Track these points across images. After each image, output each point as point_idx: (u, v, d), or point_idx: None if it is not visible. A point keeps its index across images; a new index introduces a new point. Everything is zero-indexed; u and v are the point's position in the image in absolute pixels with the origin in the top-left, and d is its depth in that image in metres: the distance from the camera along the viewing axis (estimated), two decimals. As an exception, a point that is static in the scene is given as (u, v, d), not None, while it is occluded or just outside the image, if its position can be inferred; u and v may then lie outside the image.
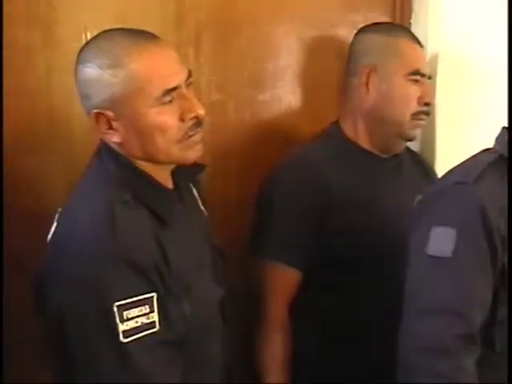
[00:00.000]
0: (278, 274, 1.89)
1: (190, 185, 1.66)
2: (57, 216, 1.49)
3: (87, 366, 1.35)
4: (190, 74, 1.46)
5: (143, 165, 1.46)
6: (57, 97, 1.92)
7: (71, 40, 1.91)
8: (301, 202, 1.87)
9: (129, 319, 1.32)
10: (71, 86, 1.79)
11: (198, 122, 1.45)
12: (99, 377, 1.34)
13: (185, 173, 1.57)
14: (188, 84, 1.46)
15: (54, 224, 1.48)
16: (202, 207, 1.70)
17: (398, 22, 2.22)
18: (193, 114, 1.43)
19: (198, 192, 1.70)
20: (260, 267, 1.90)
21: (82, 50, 1.46)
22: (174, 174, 1.55)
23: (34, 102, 1.92)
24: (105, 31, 1.45)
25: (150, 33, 1.45)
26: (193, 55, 2.04)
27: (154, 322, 1.35)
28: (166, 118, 1.41)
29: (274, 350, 1.89)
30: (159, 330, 1.36)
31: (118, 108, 1.41)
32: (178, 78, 1.42)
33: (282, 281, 1.89)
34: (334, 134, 1.99)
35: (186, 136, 1.44)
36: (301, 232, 1.87)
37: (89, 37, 1.92)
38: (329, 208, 1.86)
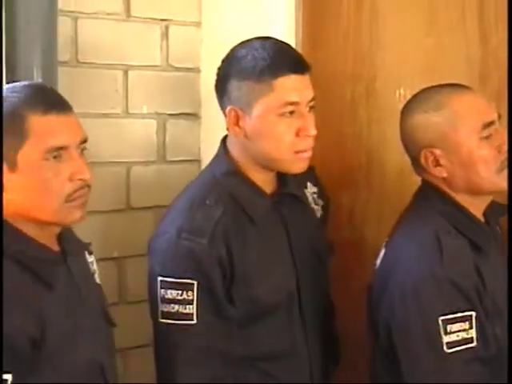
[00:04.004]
0: None
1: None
2: (384, 244, 1.78)
3: (410, 369, 1.62)
4: (499, 117, 1.70)
5: (463, 200, 1.70)
6: (374, 142, 2.21)
7: (388, 95, 2.18)
8: None
9: (451, 332, 1.57)
10: (387, 134, 2.08)
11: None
12: (421, 378, 1.61)
13: (494, 210, 1.79)
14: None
15: (382, 251, 1.77)
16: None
17: None
18: (506, 146, 1.66)
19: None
20: None
21: (406, 103, 1.76)
22: (485, 213, 1.78)
23: (354, 145, 2.23)
24: None
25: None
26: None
27: (472, 338, 1.59)
28: (486, 152, 1.65)
29: None
30: (476, 346, 1.59)
31: (445, 145, 1.67)
32: (493, 114, 1.68)
33: None
34: None
35: (502, 167, 1.66)
36: None
37: (402, 92, 2.19)
38: None
